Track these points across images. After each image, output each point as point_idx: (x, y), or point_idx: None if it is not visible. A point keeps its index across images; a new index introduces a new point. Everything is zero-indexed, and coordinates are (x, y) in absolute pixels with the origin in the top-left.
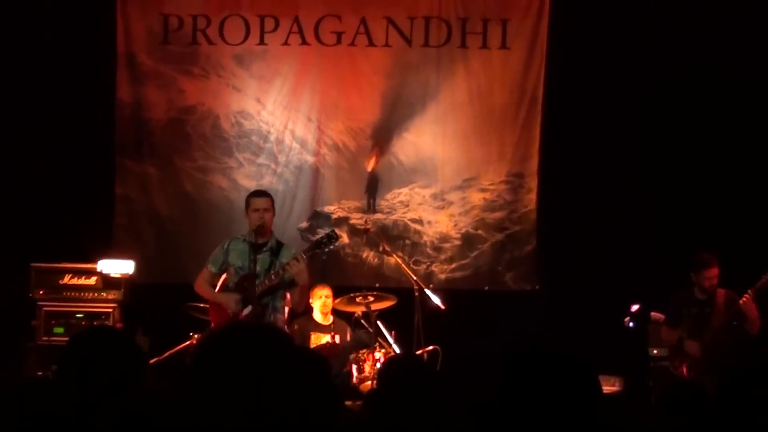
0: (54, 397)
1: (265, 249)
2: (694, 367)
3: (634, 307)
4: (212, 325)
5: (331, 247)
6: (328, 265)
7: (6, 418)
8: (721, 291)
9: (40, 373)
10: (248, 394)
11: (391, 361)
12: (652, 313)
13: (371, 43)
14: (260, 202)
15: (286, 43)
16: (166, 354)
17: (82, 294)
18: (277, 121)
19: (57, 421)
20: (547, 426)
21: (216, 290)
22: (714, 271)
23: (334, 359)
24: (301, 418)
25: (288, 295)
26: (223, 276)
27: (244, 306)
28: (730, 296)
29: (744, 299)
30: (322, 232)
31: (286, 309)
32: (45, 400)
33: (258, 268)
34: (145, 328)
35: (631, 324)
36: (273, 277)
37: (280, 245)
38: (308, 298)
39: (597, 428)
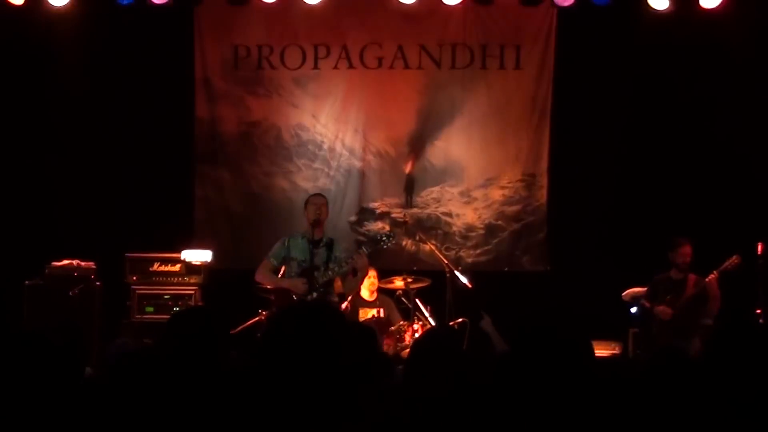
0: (151, 365)
1: (321, 245)
2: (663, 333)
3: (634, 310)
4: (274, 308)
5: (390, 244)
6: (374, 252)
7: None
8: (692, 275)
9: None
10: (310, 358)
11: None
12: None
13: (407, 66)
14: (318, 199)
15: (336, 67)
16: (239, 328)
17: (169, 279)
18: (330, 133)
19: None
20: (550, 376)
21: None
22: (687, 249)
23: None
24: (351, 378)
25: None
26: (283, 268)
27: (310, 291)
28: (699, 279)
29: (710, 277)
30: (368, 224)
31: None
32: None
33: (317, 261)
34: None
35: (634, 310)
36: (336, 269)
37: (332, 240)
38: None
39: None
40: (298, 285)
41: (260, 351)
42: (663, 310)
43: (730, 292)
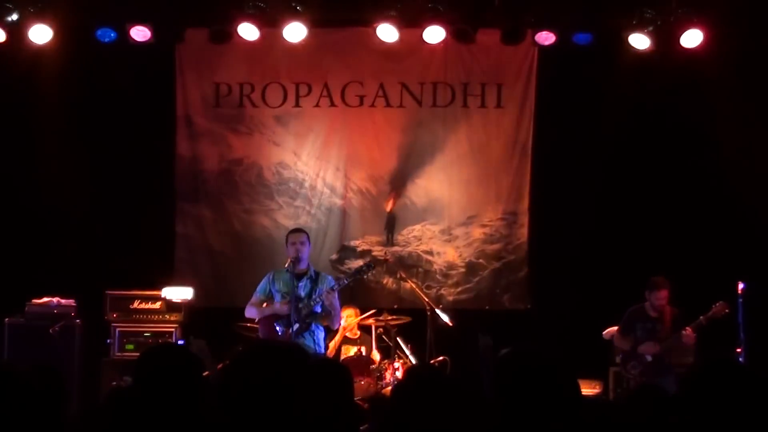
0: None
1: (305, 277)
2: (647, 372)
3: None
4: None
5: (369, 274)
6: (355, 289)
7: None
8: (668, 309)
9: (114, 383)
10: (271, 396)
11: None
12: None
13: (388, 105)
14: (296, 237)
15: (317, 105)
16: (218, 367)
17: (149, 316)
18: (311, 171)
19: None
20: (536, 415)
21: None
22: (664, 293)
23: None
24: (319, 418)
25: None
26: (265, 303)
27: (293, 322)
28: (675, 314)
29: (687, 331)
30: (349, 263)
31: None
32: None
33: (300, 293)
34: (194, 335)
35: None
36: (313, 303)
37: (317, 274)
38: (340, 318)
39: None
40: (279, 307)
41: (220, 392)
42: (647, 347)
43: (711, 331)
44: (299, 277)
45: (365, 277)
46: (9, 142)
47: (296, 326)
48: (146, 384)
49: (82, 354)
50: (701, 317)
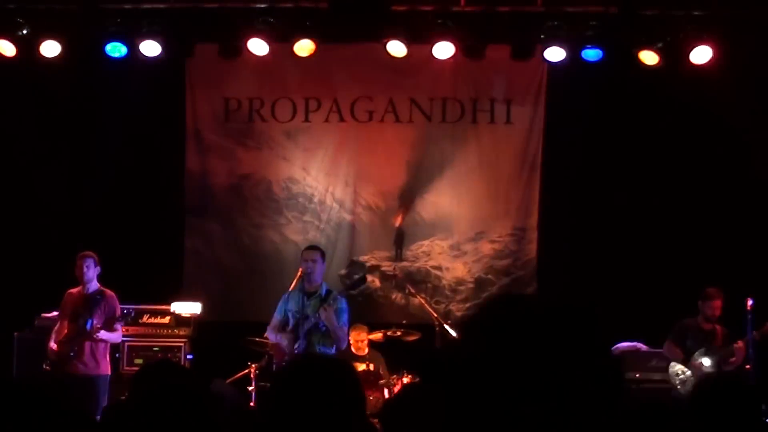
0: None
1: (314, 296)
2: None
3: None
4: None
5: (362, 287)
6: (364, 305)
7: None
8: (719, 327)
9: (123, 398)
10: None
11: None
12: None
13: (398, 120)
14: (308, 254)
15: (326, 121)
16: (228, 381)
17: (158, 331)
18: (320, 186)
19: None
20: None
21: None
22: (718, 303)
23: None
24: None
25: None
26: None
27: (295, 341)
28: (726, 333)
29: (739, 344)
30: (356, 277)
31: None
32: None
33: (308, 311)
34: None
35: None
36: (312, 319)
37: (329, 292)
38: (346, 337)
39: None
40: (289, 341)
41: (267, 405)
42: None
43: None
44: (309, 296)
45: (356, 290)
46: (18, 156)
47: (301, 343)
48: (141, 401)
49: None
50: (754, 332)
